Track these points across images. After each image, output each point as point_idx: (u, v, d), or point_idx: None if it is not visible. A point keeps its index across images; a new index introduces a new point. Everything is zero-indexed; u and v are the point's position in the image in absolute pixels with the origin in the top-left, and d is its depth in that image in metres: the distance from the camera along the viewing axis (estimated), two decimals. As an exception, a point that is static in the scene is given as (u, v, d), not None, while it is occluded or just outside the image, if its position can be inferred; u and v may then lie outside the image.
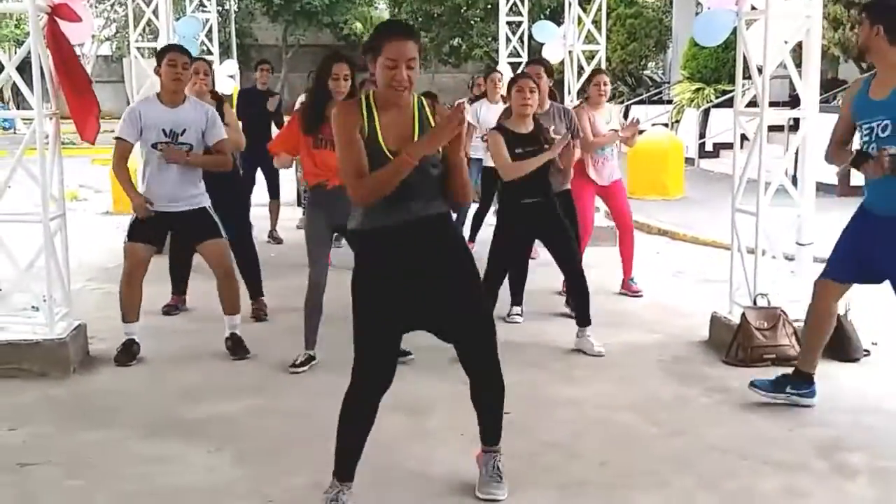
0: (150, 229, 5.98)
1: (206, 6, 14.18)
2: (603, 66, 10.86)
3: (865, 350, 5.94)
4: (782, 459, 4.42)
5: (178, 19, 12.58)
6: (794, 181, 6.56)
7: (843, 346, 5.85)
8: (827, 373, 5.62)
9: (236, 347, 6.15)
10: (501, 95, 9.49)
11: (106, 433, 4.76)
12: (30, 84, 5.67)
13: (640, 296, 7.85)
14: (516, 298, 7.05)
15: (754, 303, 6.08)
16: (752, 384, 5.23)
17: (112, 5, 34.28)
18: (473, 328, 3.95)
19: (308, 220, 6.03)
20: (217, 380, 5.68)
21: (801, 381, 5.13)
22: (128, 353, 5.99)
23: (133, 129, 5.89)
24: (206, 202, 6.12)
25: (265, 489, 4.12)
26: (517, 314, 7.02)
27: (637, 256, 9.52)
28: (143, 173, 6.09)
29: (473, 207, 10.13)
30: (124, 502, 4.03)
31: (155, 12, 10.50)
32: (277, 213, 10.55)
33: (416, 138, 3.73)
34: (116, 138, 5.93)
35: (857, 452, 4.49)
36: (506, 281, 6.58)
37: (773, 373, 5.55)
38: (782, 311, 5.95)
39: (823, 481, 4.20)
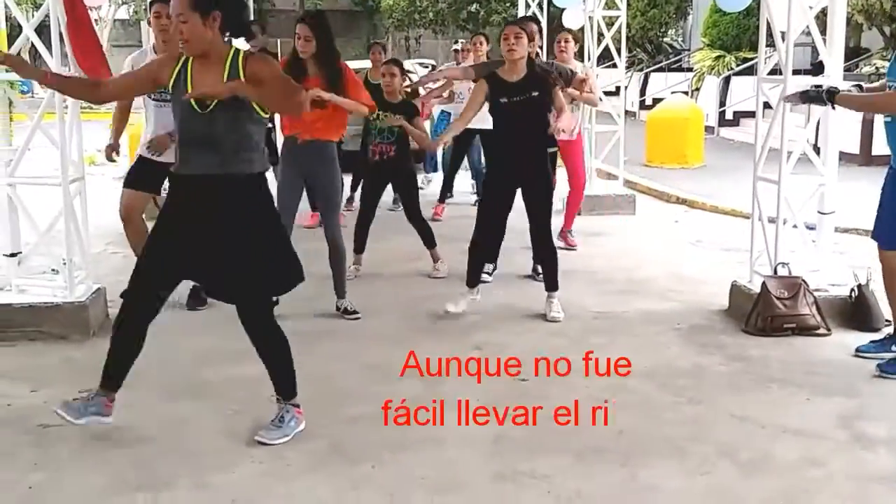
0: (144, 176, 6.10)
1: (223, -30, 14.12)
2: (623, 33, 10.79)
3: (887, 320, 5.89)
4: (801, 428, 4.41)
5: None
6: (816, 150, 6.49)
7: (864, 316, 5.82)
8: (848, 342, 5.61)
9: (193, 300, 6.37)
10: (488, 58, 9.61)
11: (126, 395, 4.76)
12: (48, 46, 5.66)
13: (575, 249, 8.19)
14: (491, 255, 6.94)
15: (775, 272, 6.04)
16: (858, 350, 5.41)
17: (129, -31, 34.13)
18: (243, 290, 4.20)
19: (280, 169, 6.22)
20: (235, 343, 5.64)
21: None
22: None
23: None
24: None
25: (284, 452, 4.14)
26: (486, 272, 6.89)
27: (656, 225, 9.53)
28: (146, 125, 6.19)
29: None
30: (145, 463, 4.05)
31: (173, -24, 10.44)
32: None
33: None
34: None
35: (877, 422, 4.48)
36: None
37: (792, 342, 5.56)
38: (803, 280, 5.91)
39: (842, 450, 4.19)
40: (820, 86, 5.55)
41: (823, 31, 6.14)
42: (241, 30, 4.29)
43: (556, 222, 7.42)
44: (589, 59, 10.74)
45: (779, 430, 4.38)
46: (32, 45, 5.84)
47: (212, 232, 4.06)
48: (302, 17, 6.08)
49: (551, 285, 6.31)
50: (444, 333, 5.86)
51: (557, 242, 7.75)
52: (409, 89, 7.90)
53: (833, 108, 5.40)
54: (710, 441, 4.27)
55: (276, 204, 4.43)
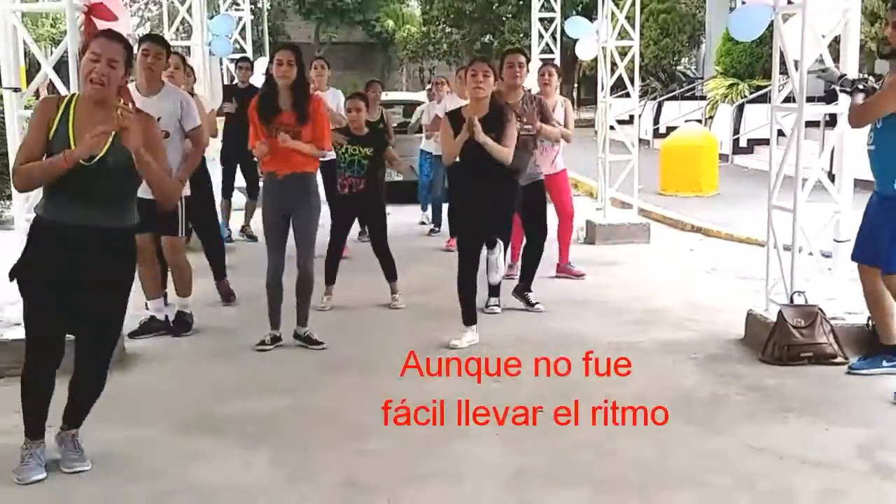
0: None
1: (239, 4, 14.24)
2: (636, 62, 10.82)
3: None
4: (820, 459, 4.36)
5: (211, 17, 12.65)
6: (831, 177, 6.47)
7: (881, 344, 5.77)
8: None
9: (178, 324, 6.57)
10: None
11: (140, 430, 4.79)
12: (67, 83, 5.72)
13: (583, 276, 8.29)
14: (494, 290, 7.01)
15: (791, 300, 6.01)
16: (851, 368, 5.57)
17: (146, 4, 34.48)
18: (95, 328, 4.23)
19: (263, 208, 6.25)
20: (249, 377, 5.70)
21: (895, 353, 5.50)
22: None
23: None
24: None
25: (300, 487, 4.13)
26: (495, 305, 7.06)
27: (671, 253, 9.50)
28: None
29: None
30: (159, 500, 4.05)
31: (189, 10, 10.57)
32: (253, 211, 10.30)
33: (108, 141, 3.93)
34: None
35: (897, 452, 4.44)
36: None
37: (809, 371, 5.53)
38: (820, 308, 5.87)
39: (863, 481, 4.15)
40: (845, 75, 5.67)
41: (837, 59, 6.14)
42: None
43: (550, 253, 7.68)
44: (602, 88, 10.78)
45: (798, 462, 4.34)
46: (51, 81, 5.91)
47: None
48: (284, 44, 6.20)
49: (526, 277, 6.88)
50: (456, 367, 5.84)
51: (559, 275, 8.22)
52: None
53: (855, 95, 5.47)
54: (728, 473, 4.24)
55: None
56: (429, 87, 12.41)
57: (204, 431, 4.80)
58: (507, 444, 4.58)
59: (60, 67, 5.87)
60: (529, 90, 7.40)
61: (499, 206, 6.21)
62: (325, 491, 4.10)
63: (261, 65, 14.80)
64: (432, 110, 11.19)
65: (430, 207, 11.23)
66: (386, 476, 4.22)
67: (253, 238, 10.14)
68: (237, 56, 12.67)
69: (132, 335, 6.29)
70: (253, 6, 17.35)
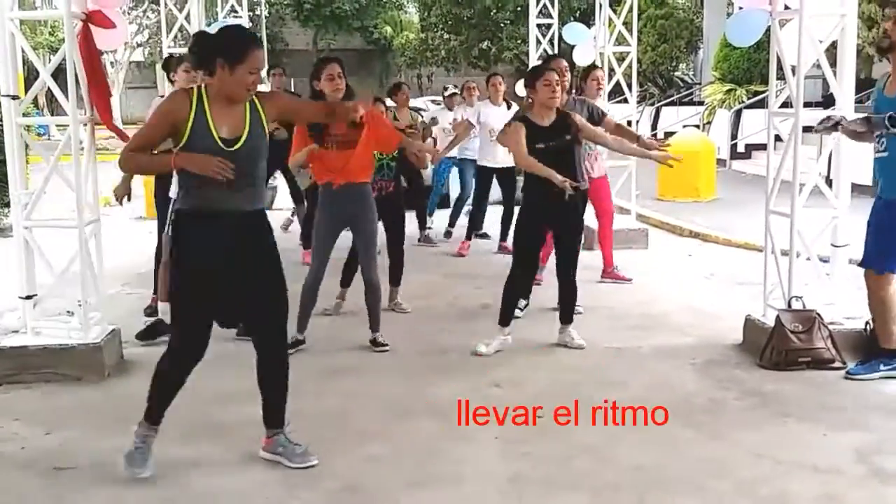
0: None
1: (237, 11, 14.25)
2: (634, 68, 10.85)
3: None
4: (818, 464, 4.37)
5: (209, 24, 12.66)
6: (829, 182, 6.48)
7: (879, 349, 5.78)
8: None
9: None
10: (505, 97, 9.86)
11: (140, 437, 4.79)
12: (64, 90, 5.72)
13: (630, 281, 8.33)
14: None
15: (789, 305, 6.02)
16: (848, 373, 5.57)
17: (144, 11, 34.55)
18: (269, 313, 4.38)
19: (318, 216, 6.29)
20: (250, 383, 5.67)
21: (892, 357, 5.53)
22: None
23: None
24: None
25: (301, 493, 4.13)
26: (519, 308, 6.87)
27: (669, 258, 9.52)
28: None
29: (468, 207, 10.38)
30: (159, 506, 4.05)
31: (187, 18, 10.60)
32: (300, 216, 10.51)
33: (246, 128, 4.11)
34: None
35: (895, 457, 4.43)
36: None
37: (807, 376, 5.53)
38: (817, 313, 5.88)
39: (861, 486, 4.15)
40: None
41: (834, 64, 6.16)
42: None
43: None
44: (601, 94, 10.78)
45: (796, 466, 4.35)
46: (49, 89, 5.91)
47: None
48: (329, 58, 6.27)
49: (568, 318, 6.36)
50: (458, 370, 5.84)
51: (604, 280, 8.28)
52: (413, 130, 8.08)
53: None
54: (727, 478, 4.24)
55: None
56: (449, 93, 12.17)
57: (204, 437, 4.80)
58: (507, 447, 4.59)
59: (58, 75, 5.88)
60: (574, 96, 7.34)
61: (573, 216, 6.25)
62: (326, 497, 4.10)
63: (259, 72, 14.87)
64: (441, 116, 11.19)
65: (435, 211, 11.19)
66: (386, 481, 4.23)
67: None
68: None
69: (139, 337, 6.36)
70: (251, 13, 17.40)
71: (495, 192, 9.87)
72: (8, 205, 8.98)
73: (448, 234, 10.67)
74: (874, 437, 4.69)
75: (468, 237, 10.07)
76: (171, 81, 6.52)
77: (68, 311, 6.16)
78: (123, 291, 8.14)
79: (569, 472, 4.32)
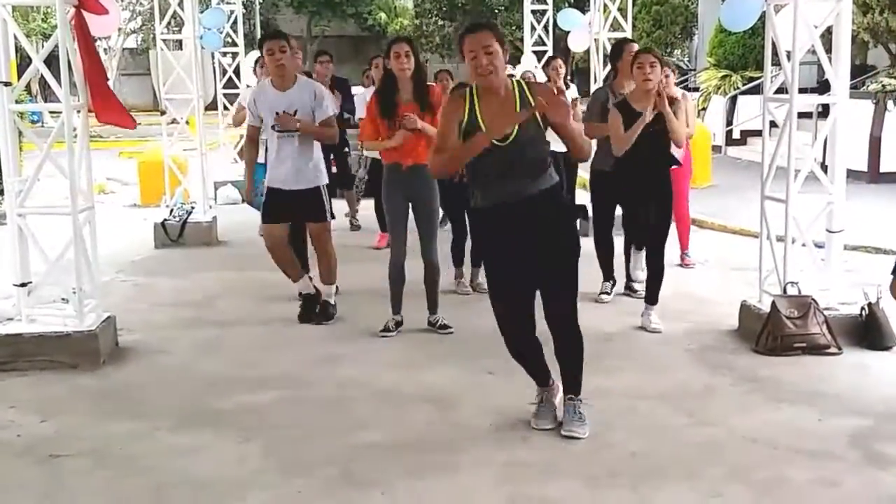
0: (277, 208, 6.48)
1: (231, -2, 14.24)
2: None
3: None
4: (813, 449, 4.38)
5: (203, 11, 12.61)
6: (824, 168, 6.48)
7: (875, 335, 5.80)
8: (859, 362, 5.60)
9: (321, 314, 6.63)
10: (565, 80, 9.74)
11: (136, 424, 4.79)
12: (57, 77, 5.70)
13: (693, 267, 8.34)
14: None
15: (784, 291, 6.02)
16: None
17: (137, -3, 34.41)
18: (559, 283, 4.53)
19: (385, 196, 6.41)
20: (246, 370, 5.70)
21: None
22: (309, 308, 6.65)
23: (253, 116, 6.52)
24: (321, 181, 6.51)
25: (296, 480, 4.13)
26: (606, 292, 7.27)
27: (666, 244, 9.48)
28: (266, 156, 6.75)
29: None
30: (154, 493, 4.05)
31: (180, 4, 10.55)
32: (352, 201, 10.52)
33: None
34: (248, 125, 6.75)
35: (890, 442, 4.45)
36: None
37: (803, 362, 5.53)
38: (813, 299, 5.89)
39: (856, 471, 4.16)
40: None
41: (829, 50, 6.14)
42: None
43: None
44: (595, 80, 10.77)
45: (791, 451, 4.36)
46: (42, 76, 5.88)
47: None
48: (399, 37, 6.42)
49: (653, 299, 6.51)
50: (452, 357, 5.84)
51: (674, 262, 8.16)
52: None
53: None
54: (722, 463, 4.25)
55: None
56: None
57: (200, 425, 4.80)
58: (502, 434, 4.59)
59: (51, 62, 5.84)
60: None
61: (664, 192, 6.44)
62: (322, 484, 4.10)
63: (252, 59, 14.82)
64: None
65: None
66: (381, 468, 4.23)
67: (357, 227, 10.30)
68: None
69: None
70: (244, 0, 17.33)
71: None
72: (1, 192, 8.96)
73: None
74: (869, 422, 4.70)
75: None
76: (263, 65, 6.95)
77: (63, 299, 6.14)
78: (118, 279, 8.13)
79: (563, 459, 4.32)
